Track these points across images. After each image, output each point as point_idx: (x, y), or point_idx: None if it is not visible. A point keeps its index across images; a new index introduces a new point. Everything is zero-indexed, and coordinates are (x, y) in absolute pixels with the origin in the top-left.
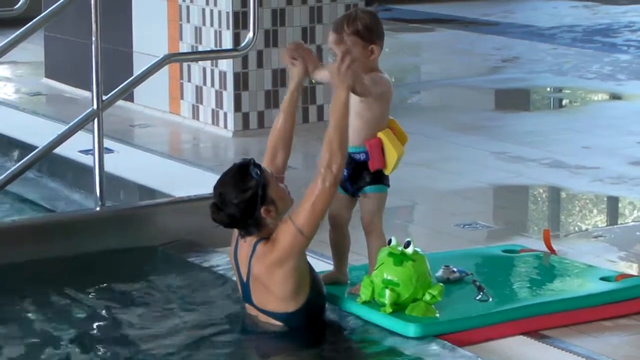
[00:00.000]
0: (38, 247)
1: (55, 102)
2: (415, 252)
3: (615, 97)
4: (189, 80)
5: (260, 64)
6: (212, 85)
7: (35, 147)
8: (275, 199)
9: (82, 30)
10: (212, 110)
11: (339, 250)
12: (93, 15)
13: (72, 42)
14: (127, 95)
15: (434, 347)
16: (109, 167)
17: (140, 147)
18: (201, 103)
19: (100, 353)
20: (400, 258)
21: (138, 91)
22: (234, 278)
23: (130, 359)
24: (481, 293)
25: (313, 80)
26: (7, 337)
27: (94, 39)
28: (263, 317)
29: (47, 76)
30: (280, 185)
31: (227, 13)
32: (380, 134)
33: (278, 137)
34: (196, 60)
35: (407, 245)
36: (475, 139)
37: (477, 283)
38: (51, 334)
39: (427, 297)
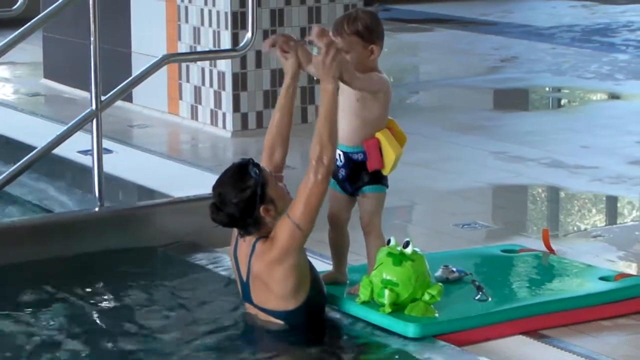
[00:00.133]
0: (37, 247)
1: (54, 102)
2: (414, 252)
3: (613, 96)
4: (188, 81)
5: (258, 64)
6: (211, 85)
7: (34, 148)
8: (274, 198)
9: (80, 30)
10: (211, 110)
11: (338, 250)
12: (91, 16)
13: (71, 42)
14: (126, 95)
15: (433, 347)
16: (107, 168)
17: (139, 148)
18: (200, 103)
19: (99, 353)
20: (399, 258)
21: (137, 91)
22: (234, 278)
23: (130, 358)
24: (480, 293)
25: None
26: (7, 337)
27: (92, 39)
28: (263, 316)
29: (45, 77)
30: (280, 184)
31: (226, 13)
32: (378, 134)
33: (275, 134)
34: (195, 60)
35: (406, 245)
36: (474, 139)
37: (476, 283)
38: (51, 334)
39: (426, 297)
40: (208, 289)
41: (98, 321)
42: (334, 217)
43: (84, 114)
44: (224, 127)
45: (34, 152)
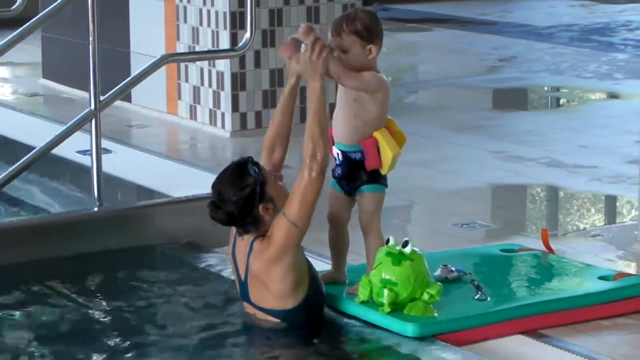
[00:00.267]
0: (36, 247)
1: (53, 102)
2: (413, 251)
3: (612, 96)
4: (187, 81)
5: (257, 64)
6: (210, 85)
7: (33, 148)
8: (273, 196)
9: (79, 30)
10: (210, 110)
11: (338, 249)
12: (90, 16)
13: (70, 42)
14: (125, 95)
15: (433, 346)
16: (106, 168)
17: (138, 148)
18: (199, 103)
19: (98, 353)
20: (398, 258)
21: (135, 91)
22: (232, 277)
23: (129, 358)
24: (479, 292)
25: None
26: (6, 337)
27: (91, 39)
28: (261, 315)
29: (44, 77)
30: (279, 183)
31: (224, 13)
32: (375, 133)
33: (276, 133)
34: (193, 60)
35: (405, 244)
36: (473, 139)
37: (476, 282)
38: (49, 334)
39: (426, 296)
40: (207, 288)
41: (97, 321)
42: (334, 217)
43: (82, 114)
44: (223, 127)
45: (32, 152)
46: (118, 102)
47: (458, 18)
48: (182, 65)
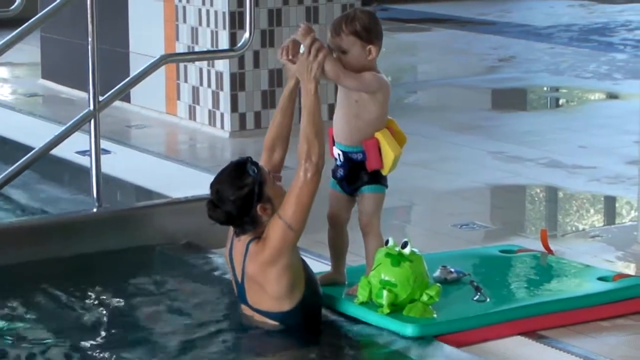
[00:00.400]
0: (35, 248)
1: (52, 103)
2: (412, 252)
3: (612, 96)
4: (186, 81)
5: (256, 64)
6: (209, 85)
7: (32, 148)
8: (271, 196)
9: (78, 31)
10: (209, 110)
11: (337, 250)
12: (89, 16)
13: (69, 42)
14: (124, 96)
15: (432, 347)
16: (105, 168)
17: (137, 148)
18: (198, 104)
19: (97, 352)
20: (397, 259)
21: (135, 92)
22: (230, 278)
23: (128, 358)
24: (479, 293)
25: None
26: (5, 337)
27: (90, 39)
28: (258, 317)
29: (43, 77)
30: (278, 183)
31: (224, 13)
32: (377, 134)
33: (276, 134)
34: (193, 60)
35: (405, 245)
36: (473, 139)
37: (475, 283)
38: (49, 335)
39: (425, 297)
40: (205, 289)
41: (96, 321)
42: (334, 217)
43: (81, 114)
44: (222, 127)
45: (32, 152)
46: (117, 103)
47: (457, 18)
48: (181, 65)
